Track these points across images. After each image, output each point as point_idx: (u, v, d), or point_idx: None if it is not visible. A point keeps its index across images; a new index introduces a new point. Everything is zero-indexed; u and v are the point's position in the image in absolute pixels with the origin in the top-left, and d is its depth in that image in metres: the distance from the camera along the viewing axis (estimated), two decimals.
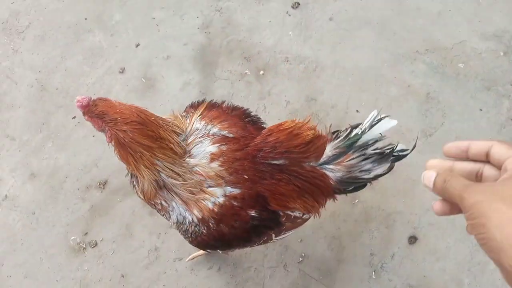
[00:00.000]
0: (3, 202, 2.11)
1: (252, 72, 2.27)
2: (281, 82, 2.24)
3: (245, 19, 2.39)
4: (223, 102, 1.40)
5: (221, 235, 1.29)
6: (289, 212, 1.35)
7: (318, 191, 1.33)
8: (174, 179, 1.19)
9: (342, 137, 1.29)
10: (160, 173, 1.18)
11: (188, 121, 1.29)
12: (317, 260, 2.03)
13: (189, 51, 2.33)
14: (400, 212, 2.07)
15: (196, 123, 1.28)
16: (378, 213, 2.08)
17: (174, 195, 1.23)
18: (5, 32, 2.35)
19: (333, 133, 1.32)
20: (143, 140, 1.13)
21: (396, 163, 1.48)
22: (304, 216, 1.44)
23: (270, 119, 2.12)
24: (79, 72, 2.29)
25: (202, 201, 1.23)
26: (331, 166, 1.30)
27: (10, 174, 2.14)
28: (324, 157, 1.30)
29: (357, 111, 2.21)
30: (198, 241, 1.34)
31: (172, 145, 1.17)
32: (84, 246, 2.04)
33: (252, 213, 1.27)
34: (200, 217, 1.25)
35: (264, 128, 1.37)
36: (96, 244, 2.04)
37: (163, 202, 1.25)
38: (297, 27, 2.36)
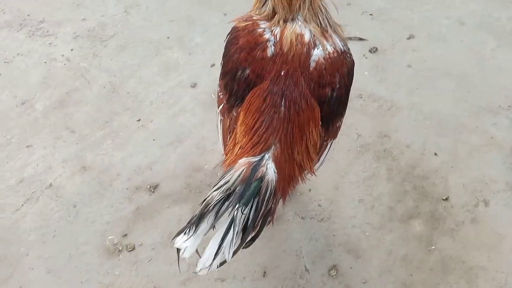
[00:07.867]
0: (45, 190, 1.98)
1: None
2: (353, 115, 2.14)
3: None
4: None
5: None
6: None
7: None
8: None
9: None
10: None
11: None
12: None
13: None
14: (483, 268, 1.77)
15: None
16: (457, 265, 1.78)
17: None
18: (90, 39, 2.45)
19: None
20: None
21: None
22: None
23: (337, 150, 2.00)
24: (152, 81, 2.29)
25: None
26: None
27: (61, 164, 2.03)
28: None
29: (435, 154, 2.04)
30: None
31: None
32: (120, 248, 1.83)
33: None
34: None
35: None
36: (134, 248, 1.82)
37: None
38: (373, 69, 2.33)
